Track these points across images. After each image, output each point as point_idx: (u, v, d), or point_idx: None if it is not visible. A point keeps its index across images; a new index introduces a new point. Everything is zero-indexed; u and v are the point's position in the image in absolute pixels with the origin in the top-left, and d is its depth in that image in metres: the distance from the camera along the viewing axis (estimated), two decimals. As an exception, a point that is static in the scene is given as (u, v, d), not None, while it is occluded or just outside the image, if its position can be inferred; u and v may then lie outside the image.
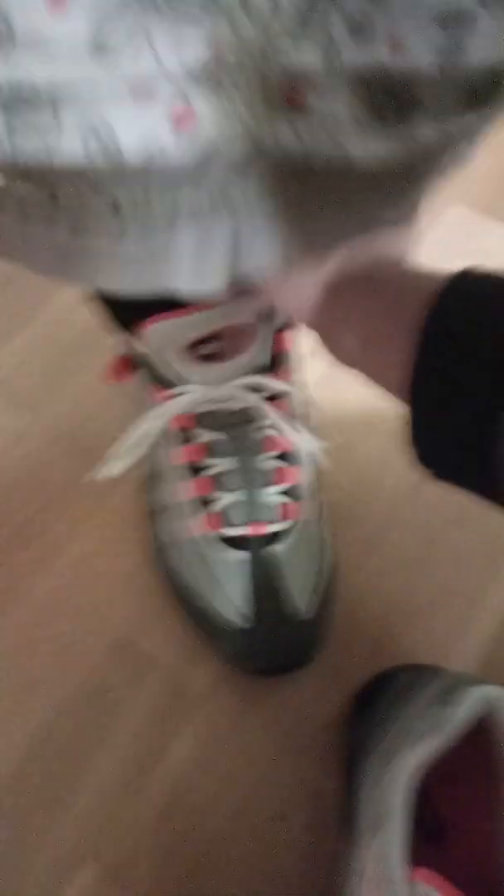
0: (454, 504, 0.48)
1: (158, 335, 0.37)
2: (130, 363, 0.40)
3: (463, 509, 0.47)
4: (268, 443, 0.40)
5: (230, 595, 0.39)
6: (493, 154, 0.62)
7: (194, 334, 0.36)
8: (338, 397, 0.51)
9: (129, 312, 0.37)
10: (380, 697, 0.38)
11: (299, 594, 0.39)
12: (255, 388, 0.39)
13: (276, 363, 0.40)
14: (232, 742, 0.40)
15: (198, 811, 0.39)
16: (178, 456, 0.41)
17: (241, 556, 0.39)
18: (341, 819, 0.37)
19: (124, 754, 0.40)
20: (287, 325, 0.40)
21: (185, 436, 0.40)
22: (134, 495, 0.47)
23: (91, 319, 0.46)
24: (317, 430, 0.43)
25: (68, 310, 0.56)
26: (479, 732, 0.31)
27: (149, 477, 0.44)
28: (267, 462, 0.40)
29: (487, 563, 0.46)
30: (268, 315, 0.37)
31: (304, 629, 0.39)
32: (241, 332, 0.38)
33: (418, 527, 0.47)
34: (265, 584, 0.39)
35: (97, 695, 0.42)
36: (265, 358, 0.39)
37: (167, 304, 0.35)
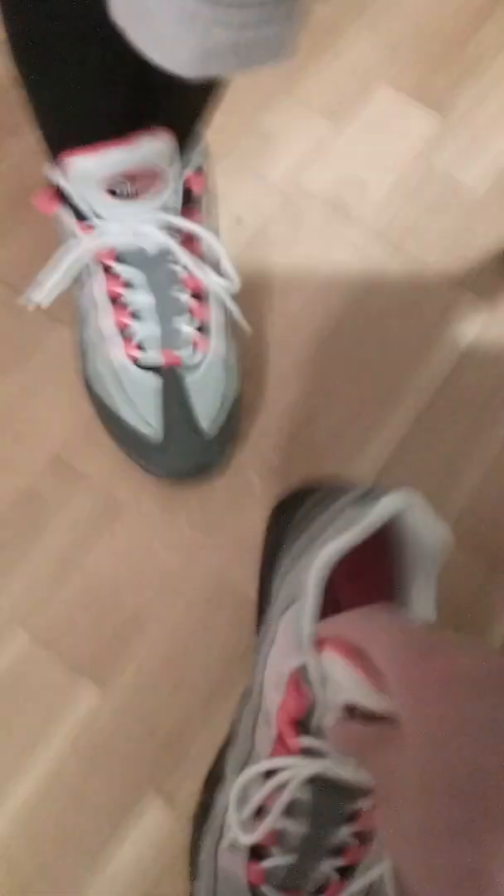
0: (359, 355, 0.54)
1: (78, 170, 0.41)
2: (58, 195, 0.44)
3: (363, 361, 0.54)
4: (181, 281, 0.45)
5: (145, 414, 0.45)
6: (421, 40, 0.64)
7: (109, 171, 0.41)
8: (263, 260, 0.56)
9: (60, 143, 0.41)
10: (299, 505, 0.44)
11: (204, 416, 0.45)
12: (168, 228, 0.44)
13: (186, 204, 0.44)
14: (155, 539, 0.48)
15: (128, 590, 0.46)
16: (101, 288, 0.46)
17: (154, 381, 0.45)
18: (259, 609, 0.45)
19: (57, 550, 0.47)
20: (198, 169, 0.44)
21: (106, 269, 0.45)
22: (70, 337, 0.52)
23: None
24: (230, 277, 0.48)
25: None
26: (384, 534, 0.35)
27: (79, 318, 0.49)
28: (180, 297, 0.45)
29: (395, 377, 0.53)
30: (177, 157, 0.42)
31: (209, 444, 0.46)
32: (152, 173, 0.42)
33: (325, 369, 0.53)
34: (175, 406, 0.45)
35: (33, 502, 0.48)
36: (176, 202, 0.43)
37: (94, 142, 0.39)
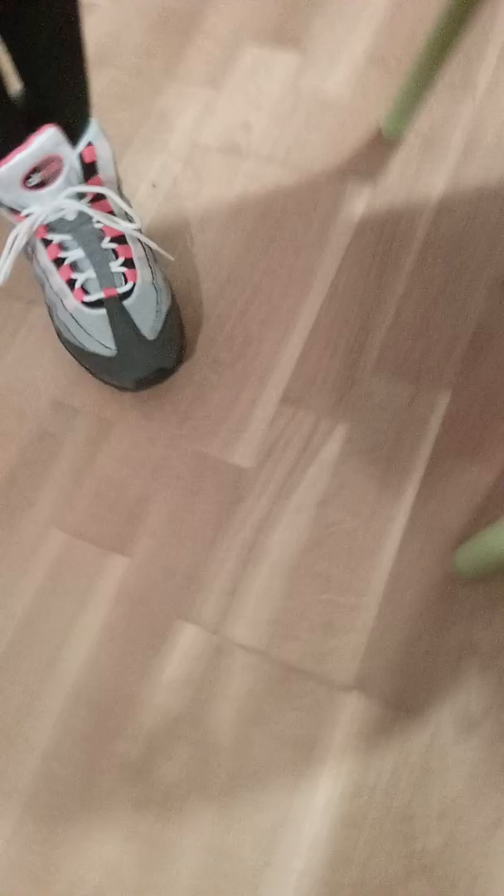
0: (272, 256, 0.64)
1: (3, 177, 0.54)
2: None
3: (276, 259, 0.64)
4: (101, 232, 0.58)
5: (100, 339, 0.57)
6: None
7: (20, 172, 0.54)
8: (179, 209, 0.68)
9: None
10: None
11: (146, 328, 0.57)
12: (77, 196, 0.56)
13: (87, 174, 0.57)
14: (143, 439, 0.59)
15: (131, 482, 0.58)
16: (45, 256, 0.58)
17: (101, 312, 0.57)
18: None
19: (72, 465, 0.60)
20: (87, 144, 0.57)
21: (45, 242, 0.58)
22: (42, 311, 0.65)
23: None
24: (136, 219, 0.60)
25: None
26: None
27: (39, 286, 0.62)
28: (104, 245, 0.58)
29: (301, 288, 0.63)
30: (66, 141, 0.54)
31: (154, 347, 0.57)
32: (51, 160, 0.55)
33: (246, 274, 0.64)
34: (121, 327, 0.57)
35: (45, 438, 0.61)
36: (78, 173, 0.56)
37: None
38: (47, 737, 0.51)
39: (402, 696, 0.50)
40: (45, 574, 0.56)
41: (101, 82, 0.75)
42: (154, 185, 0.70)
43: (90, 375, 0.62)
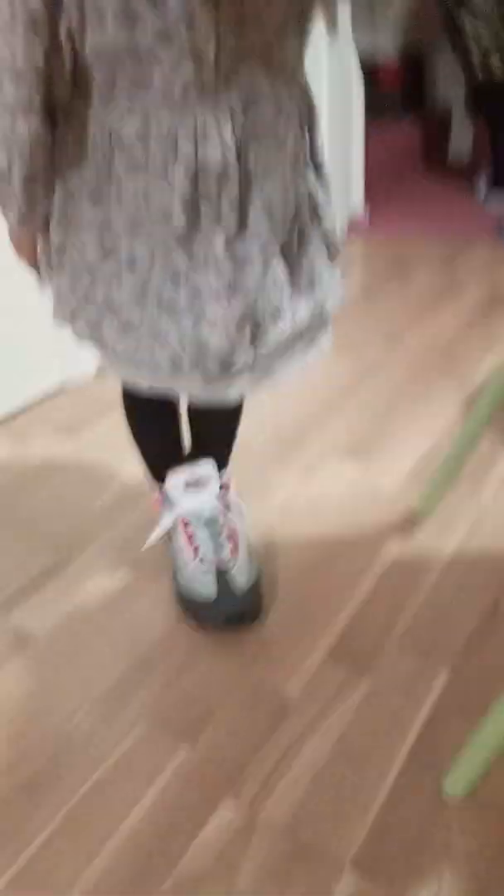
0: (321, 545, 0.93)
1: (170, 485, 0.88)
2: (161, 497, 0.91)
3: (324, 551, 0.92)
4: (223, 527, 0.88)
5: (206, 590, 0.83)
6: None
7: (185, 480, 0.87)
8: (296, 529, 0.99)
9: (157, 471, 0.89)
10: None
11: (240, 581, 0.83)
12: (217, 501, 0.89)
13: (223, 491, 0.90)
14: (220, 663, 0.80)
15: (214, 703, 0.77)
16: (182, 538, 0.88)
17: (211, 575, 0.84)
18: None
19: (163, 676, 0.80)
20: (227, 476, 0.91)
21: (184, 525, 0.89)
22: (162, 561, 0.92)
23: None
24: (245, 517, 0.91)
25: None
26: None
27: (173, 556, 0.90)
28: (223, 536, 0.87)
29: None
30: (216, 471, 0.89)
31: (243, 601, 0.82)
32: (207, 479, 0.88)
33: (304, 558, 0.91)
34: (222, 583, 0.83)
35: (151, 663, 0.83)
36: (218, 490, 0.89)
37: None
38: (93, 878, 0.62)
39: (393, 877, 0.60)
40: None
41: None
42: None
43: (188, 617, 0.86)
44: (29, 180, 0.65)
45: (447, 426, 1.21)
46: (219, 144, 0.61)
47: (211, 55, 0.58)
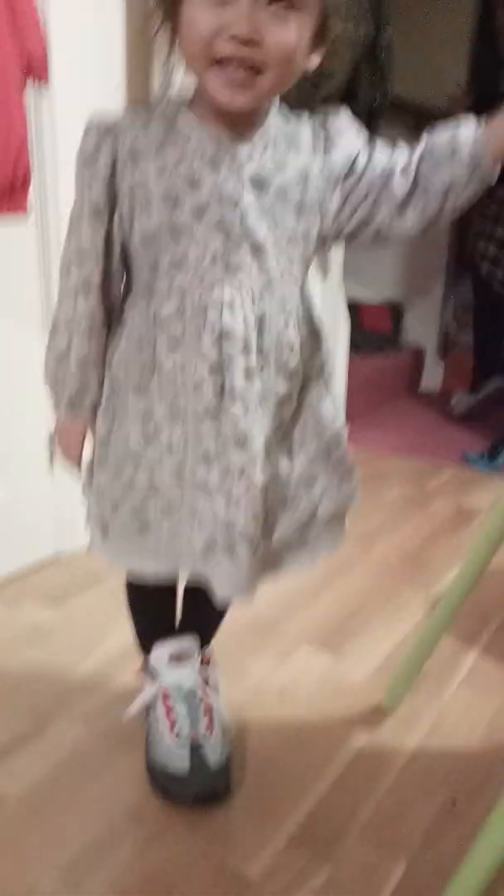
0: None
1: (155, 656, 0.94)
2: (144, 667, 0.97)
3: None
4: (204, 706, 0.93)
5: (179, 763, 0.87)
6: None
7: (170, 652, 0.95)
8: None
9: (146, 643, 0.96)
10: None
11: (212, 759, 0.87)
12: (198, 676, 0.95)
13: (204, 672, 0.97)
14: (189, 847, 0.82)
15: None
16: (161, 711, 0.93)
17: (185, 749, 0.88)
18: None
19: (128, 854, 0.81)
20: (207, 653, 0.98)
21: (164, 698, 0.94)
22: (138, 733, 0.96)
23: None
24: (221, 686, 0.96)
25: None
26: None
27: (147, 729, 0.95)
28: (200, 706, 0.93)
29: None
30: (198, 646, 0.97)
31: (214, 778, 0.86)
32: (191, 652, 0.96)
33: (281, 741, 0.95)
34: (195, 759, 0.87)
35: (120, 834, 0.84)
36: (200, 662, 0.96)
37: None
38: None
39: None
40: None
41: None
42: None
43: (157, 792, 0.89)
44: (84, 363, 0.77)
45: (413, 628, 1.30)
46: (241, 318, 0.73)
47: (237, 227, 0.72)
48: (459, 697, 1.11)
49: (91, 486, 0.84)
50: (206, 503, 0.78)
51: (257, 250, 0.73)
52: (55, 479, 1.43)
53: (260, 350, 0.76)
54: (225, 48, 0.65)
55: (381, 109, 1.70)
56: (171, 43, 0.72)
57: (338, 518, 0.88)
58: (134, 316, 0.77)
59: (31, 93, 1.01)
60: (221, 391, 0.75)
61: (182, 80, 0.76)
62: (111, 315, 0.79)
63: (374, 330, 3.05)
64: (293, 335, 0.78)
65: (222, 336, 0.73)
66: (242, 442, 0.75)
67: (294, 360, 0.79)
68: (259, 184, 0.73)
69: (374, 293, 3.17)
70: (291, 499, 0.82)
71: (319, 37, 0.70)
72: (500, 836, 0.68)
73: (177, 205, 0.72)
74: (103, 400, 0.81)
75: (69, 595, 1.36)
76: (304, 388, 0.82)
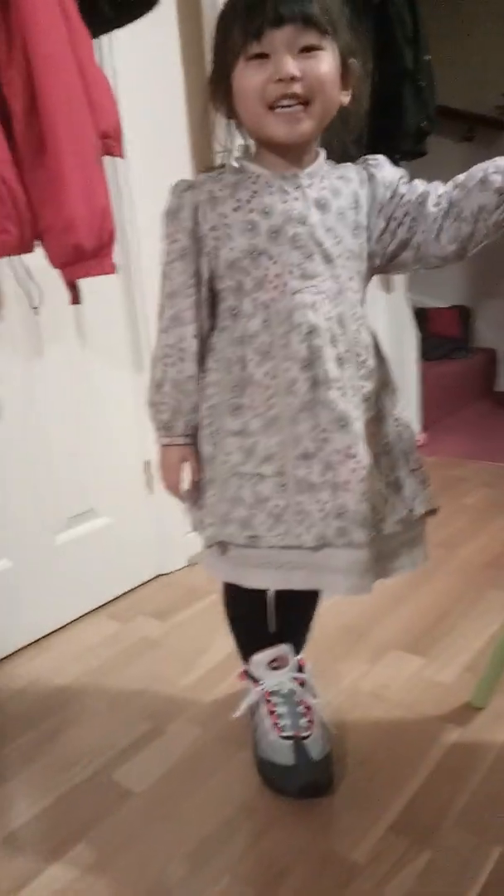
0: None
1: (256, 661, 1.04)
2: (246, 673, 1.06)
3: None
4: (302, 704, 1.02)
5: (284, 757, 0.96)
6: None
7: (268, 661, 1.04)
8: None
9: (247, 652, 1.06)
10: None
11: (314, 752, 0.96)
12: (294, 679, 1.04)
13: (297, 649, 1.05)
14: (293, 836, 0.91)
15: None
16: (264, 711, 1.02)
17: (289, 743, 0.97)
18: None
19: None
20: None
21: (267, 702, 1.03)
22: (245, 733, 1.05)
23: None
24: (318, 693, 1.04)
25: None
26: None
27: (254, 727, 1.04)
28: (301, 709, 1.01)
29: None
30: (294, 652, 1.05)
31: (317, 770, 0.94)
32: (284, 657, 1.05)
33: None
34: (299, 752, 0.96)
35: (235, 824, 0.94)
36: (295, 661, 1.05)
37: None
38: None
39: None
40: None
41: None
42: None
43: (266, 784, 0.98)
44: (176, 388, 0.88)
45: (499, 629, 1.34)
46: (323, 315, 0.83)
47: (309, 241, 0.83)
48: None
49: (198, 507, 0.93)
50: (310, 500, 0.85)
51: (328, 260, 0.85)
52: (154, 504, 1.56)
53: (344, 342, 0.85)
54: (276, 90, 0.78)
55: (429, 129, 1.76)
56: (229, 112, 0.86)
57: (423, 524, 0.95)
58: (222, 341, 0.88)
59: (110, 165, 1.14)
60: (315, 384, 0.83)
61: (239, 147, 0.90)
62: (202, 345, 0.89)
63: (443, 335, 3.08)
64: (366, 337, 0.88)
65: (310, 333, 0.83)
66: (344, 424, 0.83)
67: (370, 360, 0.88)
68: (322, 206, 0.85)
69: (442, 298, 3.20)
70: (387, 497, 0.88)
71: (345, 77, 0.83)
72: None
73: (254, 232, 0.84)
74: (203, 424, 0.90)
75: (170, 612, 1.48)
76: (379, 394, 0.90)
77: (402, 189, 0.87)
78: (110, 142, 1.08)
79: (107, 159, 1.09)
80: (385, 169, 0.89)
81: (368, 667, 1.25)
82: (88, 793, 1.01)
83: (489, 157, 0.82)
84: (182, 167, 1.45)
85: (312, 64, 0.77)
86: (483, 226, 0.81)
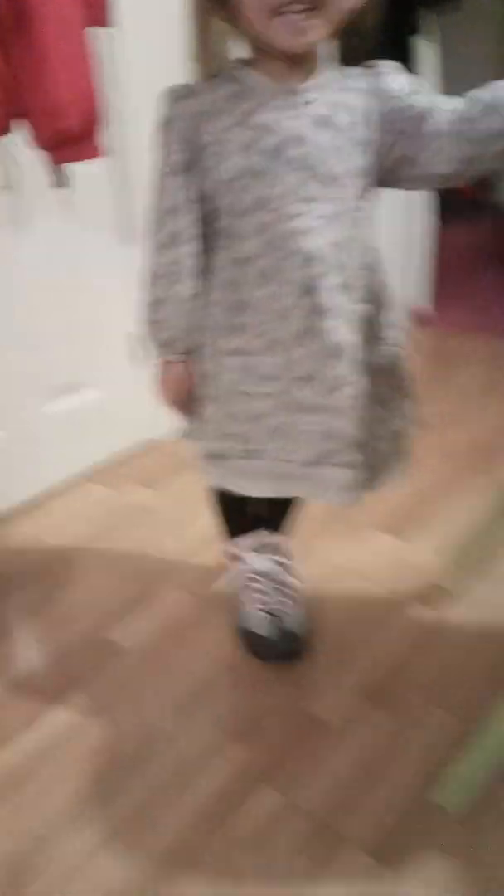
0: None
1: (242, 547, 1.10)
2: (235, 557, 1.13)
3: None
4: (283, 582, 1.10)
5: (265, 630, 1.05)
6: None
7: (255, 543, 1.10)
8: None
9: (235, 534, 1.12)
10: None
11: (292, 629, 1.05)
12: (277, 563, 1.11)
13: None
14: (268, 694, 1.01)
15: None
16: (249, 590, 1.10)
17: (269, 617, 1.06)
18: None
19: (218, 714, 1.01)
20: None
21: (252, 583, 1.11)
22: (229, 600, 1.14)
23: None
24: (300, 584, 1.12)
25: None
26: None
27: (239, 603, 1.12)
28: (285, 587, 1.09)
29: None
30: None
31: (294, 642, 1.04)
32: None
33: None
34: (278, 627, 1.05)
35: (217, 680, 1.04)
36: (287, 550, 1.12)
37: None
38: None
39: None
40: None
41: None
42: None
43: (248, 653, 1.07)
44: (177, 308, 0.85)
45: (476, 518, 1.41)
46: (322, 243, 0.81)
47: (307, 162, 0.79)
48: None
49: (197, 422, 0.95)
50: (306, 420, 0.88)
51: (332, 181, 0.81)
52: (142, 375, 1.56)
53: (342, 269, 0.84)
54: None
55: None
56: (226, 14, 0.77)
57: (410, 438, 0.98)
58: (220, 261, 0.85)
59: (100, 38, 1.03)
60: (311, 312, 0.83)
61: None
62: (198, 263, 0.86)
63: (464, 194, 2.95)
64: (368, 257, 0.87)
65: (308, 260, 0.81)
66: (337, 354, 0.85)
67: (373, 281, 0.87)
68: (327, 123, 0.80)
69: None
70: (379, 417, 0.92)
71: None
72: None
73: (254, 149, 0.79)
74: (204, 342, 0.89)
75: (162, 478, 1.53)
76: (375, 316, 0.89)
77: (411, 101, 0.81)
78: (96, 11, 0.97)
79: (94, 31, 0.98)
80: (396, 79, 0.82)
81: (347, 546, 1.33)
82: (84, 648, 1.10)
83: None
84: (176, 46, 1.30)
85: None
86: (490, 150, 0.78)
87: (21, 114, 0.95)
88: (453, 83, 3.03)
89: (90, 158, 1.01)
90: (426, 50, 1.72)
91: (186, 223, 0.83)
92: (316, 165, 0.80)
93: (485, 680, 1.04)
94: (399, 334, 0.93)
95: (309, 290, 0.82)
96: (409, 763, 0.91)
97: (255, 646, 1.06)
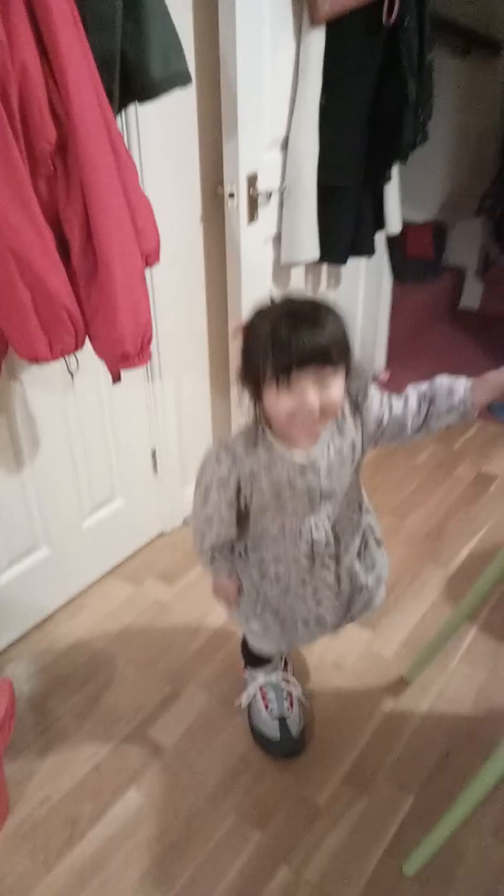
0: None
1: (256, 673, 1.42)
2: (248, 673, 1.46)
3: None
4: (286, 692, 1.43)
5: (272, 732, 1.38)
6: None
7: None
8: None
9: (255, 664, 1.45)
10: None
11: (294, 729, 1.38)
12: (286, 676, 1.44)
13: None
14: (275, 783, 1.34)
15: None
16: (259, 697, 1.43)
17: (276, 722, 1.39)
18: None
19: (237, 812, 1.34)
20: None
21: (262, 692, 1.43)
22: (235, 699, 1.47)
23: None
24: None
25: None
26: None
27: (251, 713, 1.45)
28: (287, 695, 1.42)
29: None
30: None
31: (295, 742, 1.37)
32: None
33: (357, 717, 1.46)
34: (282, 729, 1.38)
35: (237, 772, 1.37)
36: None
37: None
38: None
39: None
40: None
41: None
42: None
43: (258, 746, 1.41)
44: (221, 544, 1.20)
45: (430, 607, 1.75)
46: (324, 532, 1.14)
47: (316, 495, 1.10)
48: (458, 671, 1.59)
49: (237, 609, 1.29)
50: (303, 607, 1.23)
51: (329, 497, 1.13)
52: (158, 482, 1.86)
53: (338, 541, 1.16)
54: (299, 417, 0.98)
55: (420, 143, 1.87)
56: (254, 396, 1.02)
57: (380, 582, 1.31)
58: (252, 531, 1.18)
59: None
60: (312, 567, 1.17)
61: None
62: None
63: (418, 256, 3.23)
64: (357, 517, 1.21)
65: (312, 545, 1.15)
66: (332, 588, 1.20)
67: (362, 523, 1.23)
68: (329, 469, 1.09)
69: (419, 213, 3.30)
70: (363, 584, 1.25)
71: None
72: (485, 782, 1.16)
73: (280, 493, 1.10)
74: (239, 564, 1.23)
75: (178, 573, 1.85)
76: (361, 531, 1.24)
77: (385, 419, 1.10)
78: (151, 258, 1.23)
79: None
80: (374, 404, 1.10)
81: (331, 640, 1.66)
82: (132, 745, 1.42)
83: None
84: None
85: (328, 393, 0.95)
86: (443, 423, 1.11)
87: (89, 336, 1.22)
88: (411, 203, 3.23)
89: (140, 366, 1.28)
90: (393, 188, 2.00)
91: (219, 518, 1.14)
92: (321, 493, 1.09)
93: (439, 765, 1.39)
94: (370, 504, 1.27)
95: (312, 558, 1.16)
96: (381, 837, 1.26)
97: (265, 746, 1.40)
